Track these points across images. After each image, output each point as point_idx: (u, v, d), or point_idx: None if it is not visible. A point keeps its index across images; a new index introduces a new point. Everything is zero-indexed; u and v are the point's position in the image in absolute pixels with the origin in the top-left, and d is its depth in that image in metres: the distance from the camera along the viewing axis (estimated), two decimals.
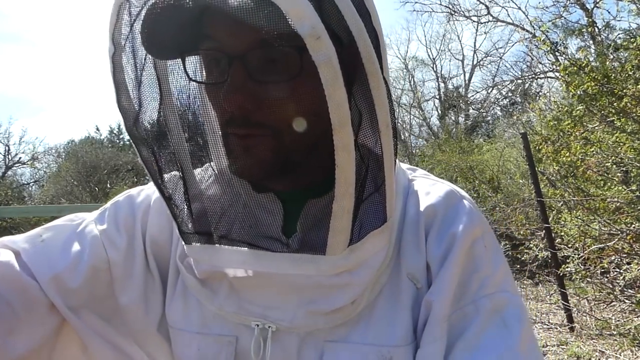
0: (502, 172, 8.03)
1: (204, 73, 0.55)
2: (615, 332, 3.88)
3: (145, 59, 0.54)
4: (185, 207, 0.58)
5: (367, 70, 0.47)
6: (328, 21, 0.44)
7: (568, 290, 4.45)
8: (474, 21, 15.23)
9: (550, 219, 4.67)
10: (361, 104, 0.50)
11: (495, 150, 9.31)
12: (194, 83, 0.55)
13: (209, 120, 0.56)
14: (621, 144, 4.12)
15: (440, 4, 15.48)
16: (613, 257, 4.18)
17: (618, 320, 4.12)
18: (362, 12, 0.48)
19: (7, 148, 17.88)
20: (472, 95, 18.03)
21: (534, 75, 14.20)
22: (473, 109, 17.92)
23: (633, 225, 4.02)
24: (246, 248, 0.55)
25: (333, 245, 0.51)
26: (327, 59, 0.42)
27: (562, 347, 3.81)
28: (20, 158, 18.15)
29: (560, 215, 5.00)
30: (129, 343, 0.65)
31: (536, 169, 4.55)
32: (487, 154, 9.49)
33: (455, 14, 15.26)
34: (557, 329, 4.24)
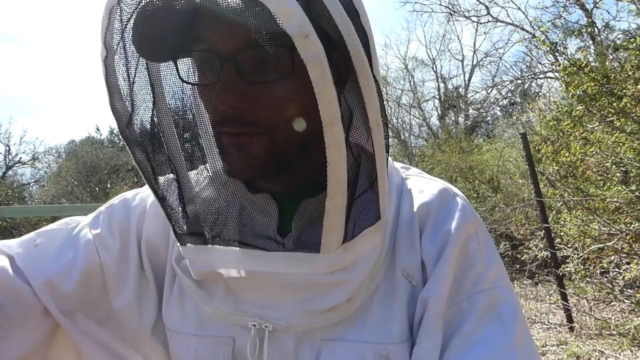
0: (502, 172, 8.01)
1: (196, 74, 0.55)
2: (614, 332, 3.88)
3: (137, 62, 0.54)
4: (180, 208, 0.58)
5: (357, 69, 0.48)
6: (317, 20, 0.44)
7: (567, 290, 4.45)
8: (473, 21, 15.23)
9: (549, 219, 4.67)
10: (352, 102, 0.50)
11: (495, 151, 9.28)
12: (187, 85, 0.56)
13: (202, 121, 0.56)
14: (621, 144, 4.10)
15: (440, 5, 15.48)
16: (612, 257, 4.17)
17: (617, 320, 4.11)
18: (350, 11, 0.49)
19: (7, 148, 17.86)
20: (472, 96, 17.98)
21: (533, 76, 14.21)
22: (473, 109, 17.88)
23: (632, 225, 4.01)
24: (241, 248, 0.55)
25: (327, 243, 0.51)
26: (315, 57, 0.43)
27: (562, 347, 3.81)
28: (20, 158, 18.13)
29: (559, 215, 4.99)
30: (123, 346, 0.65)
31: (536, 169, 4.55)
32: (486, 154, 9.46)
33: (455, 14, 15.26)
34: (556, 328, 4.24)
